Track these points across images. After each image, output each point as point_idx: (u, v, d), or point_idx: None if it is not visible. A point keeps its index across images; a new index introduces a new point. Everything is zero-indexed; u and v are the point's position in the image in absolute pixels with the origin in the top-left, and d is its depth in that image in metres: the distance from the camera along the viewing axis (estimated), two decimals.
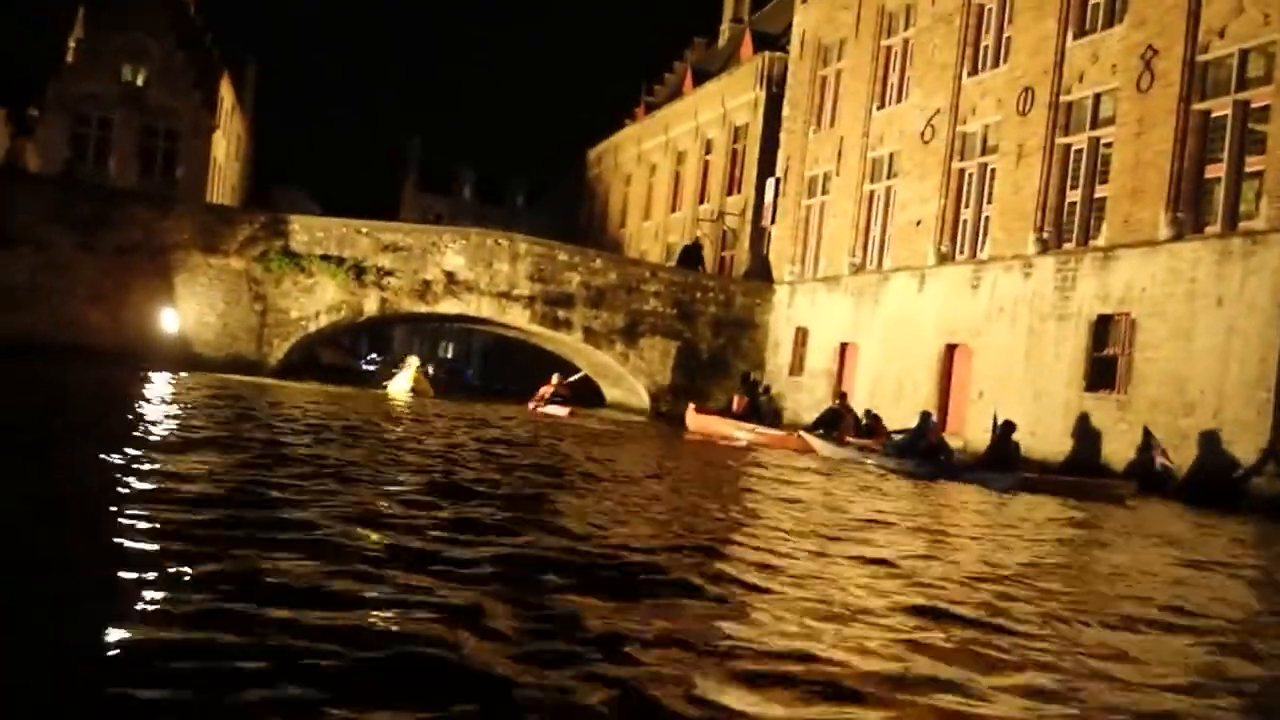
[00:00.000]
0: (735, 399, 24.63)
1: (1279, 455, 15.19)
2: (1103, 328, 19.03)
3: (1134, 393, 17.92)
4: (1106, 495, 15.12)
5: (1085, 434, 18.85)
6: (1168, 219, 17.81)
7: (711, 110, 37.85)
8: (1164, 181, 17.99)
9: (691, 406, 25.34)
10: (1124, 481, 16.02)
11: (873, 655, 4.20)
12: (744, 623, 4.57)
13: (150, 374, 20.89)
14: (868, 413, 21.78)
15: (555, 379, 27.30)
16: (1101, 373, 18.88)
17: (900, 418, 21.48)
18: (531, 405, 26.05)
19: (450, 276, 27.68)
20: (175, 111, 40.68)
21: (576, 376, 29.64)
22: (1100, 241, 19.29)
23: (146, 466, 7.36)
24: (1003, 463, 16.75)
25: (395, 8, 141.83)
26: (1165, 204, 17.89)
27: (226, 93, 44.73)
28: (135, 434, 9.59)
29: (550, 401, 25.75)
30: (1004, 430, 17.27)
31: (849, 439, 19.81)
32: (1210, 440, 16.48)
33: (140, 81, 40.63)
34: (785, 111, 31.38)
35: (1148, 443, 17.03)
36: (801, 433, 20.73)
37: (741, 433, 22.25)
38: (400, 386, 27.91)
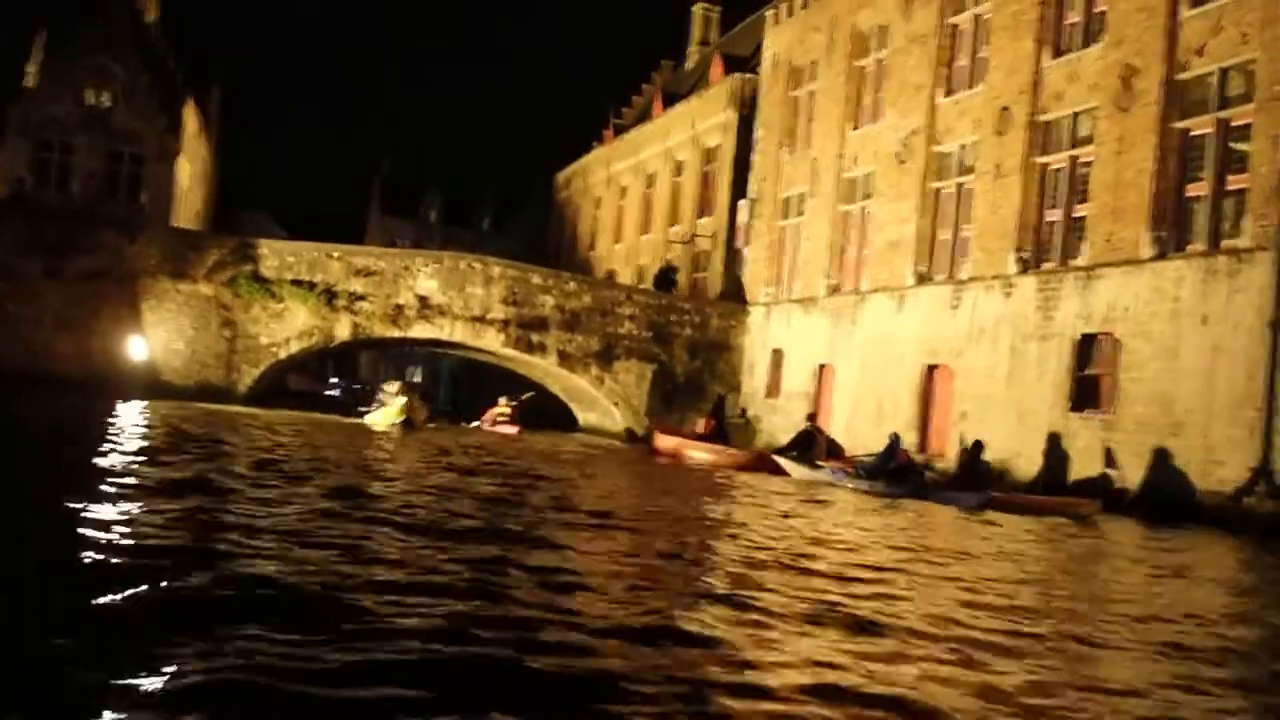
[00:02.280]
0: (702, 421, 24.65)
1: (1269, 474, 15.13)
2: (1086, 347, 18.97)
3: (1120, 413, 17.85)
4: (1072, 513, 15.57)
5: (1070, 454, 18.79)
6: (1150, 238, 17.80)
7: (682, 132, 37.75)
8: (1145, 200, 17.99)
9: (655, 430, 25.36)
10: (1088, 500, 16.26)
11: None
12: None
13: (117, 403, 20.32)
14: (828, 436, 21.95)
15: (502, 401, 28.87)
16: (1086, 393, 18.81)
17: (880, 439, 21.28)
18: (485, 424, 28.29)
19: (423, 301, 27.31)
20: (139, 135, 39.98)
21: (526, 396, 29.84)
22: (1082, 261, 19.26)
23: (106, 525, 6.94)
24: (972, 482, 16.98)
25: (359, 31, 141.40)
26: (1147, 223, 17.88)
27: (191, 116, 44.08)
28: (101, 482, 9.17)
29: (499, 422, 27.91)
30: (973, 450, 17.73)
31: (820, 461, 19.74)
32: (1163, 457, 16.81)
33: (104, 105, 39.95)
34: (758, 133, 31.33)
35: (1110, 461, 17.18)
36: (774, 455, 20.62)
37: (704, 454, 22.21)
38: (380, 418, 24.17)
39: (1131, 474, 17.19)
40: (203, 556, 5.44)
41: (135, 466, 9.81)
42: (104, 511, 6.77)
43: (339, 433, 19.76)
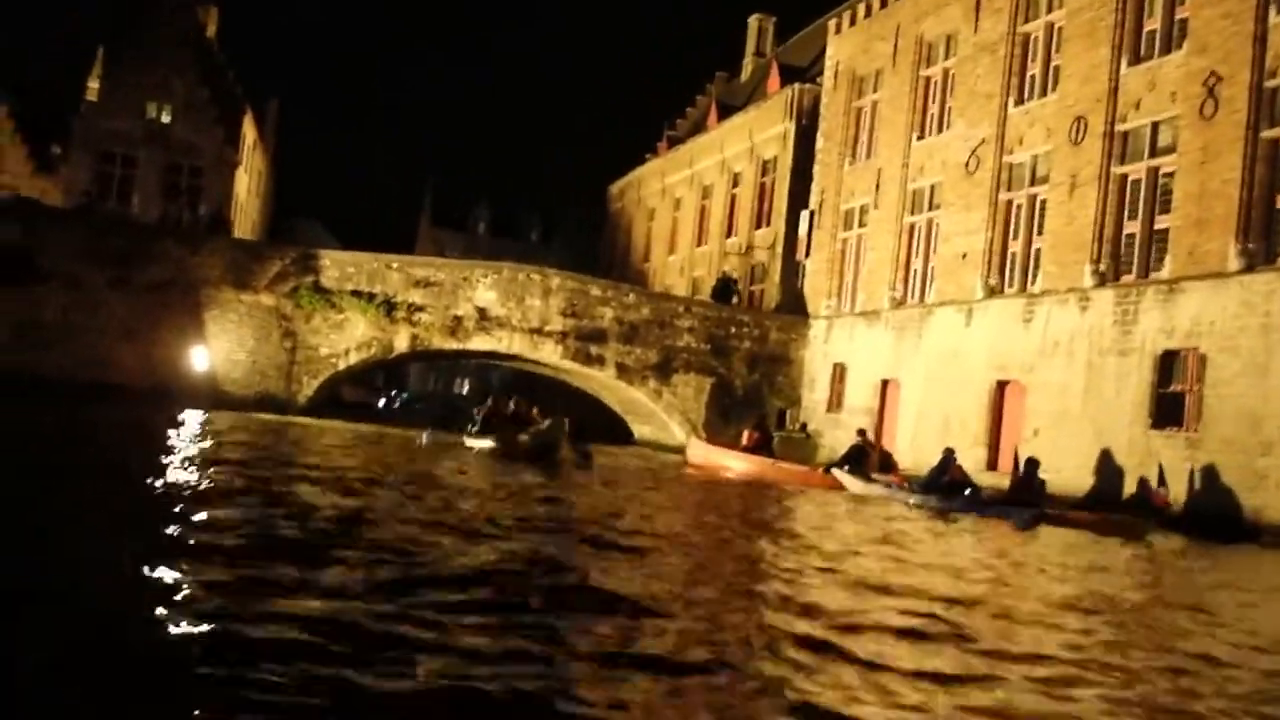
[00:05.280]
0: (746, 433, 24.14)
1: None
2: (1168, 363, 18.38)
3: (1205, 431, 17.24)
4: (1126, 531, 15.41)
5: (1126, 471, 18.47)
6: (1237, 250, 17.21)
7: (739, 143, 37.43)
8: (1232, 211, 17.40)
9: (693, 439, 25.14)
10: (1142, 519, 16.04)
11: None
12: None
13: (182, 414, 20.32)
14: (881, 448, 21.93)
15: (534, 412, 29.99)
16: (1168, 410, 18.21)
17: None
18: None
19: (482, 312, 27.15)
20: (199, 148, 40.33)
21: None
22: (1164, 274, 18.68)
23: None
24: (1026, 499, 16.92)
25: (413, 43, 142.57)
26: (1234, 234, 17.30)
27: (249, 129, 44.45)
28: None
29: None
30: (1029, 467, 17.64)
31: (875, 475, 19.66)
32: (1210, 474, 16.74)
33: (165, 119, 40.37)
34: (819, 143, 30.92)
35: (1161, 477, 16.95)
36: (833, 470, 20.33)
37: (740, 463, 21.96)
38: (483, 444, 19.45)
39: (1204, 492, 16.83)
40: None
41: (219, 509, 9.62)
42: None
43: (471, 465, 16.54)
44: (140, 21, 41.45)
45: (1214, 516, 16.38)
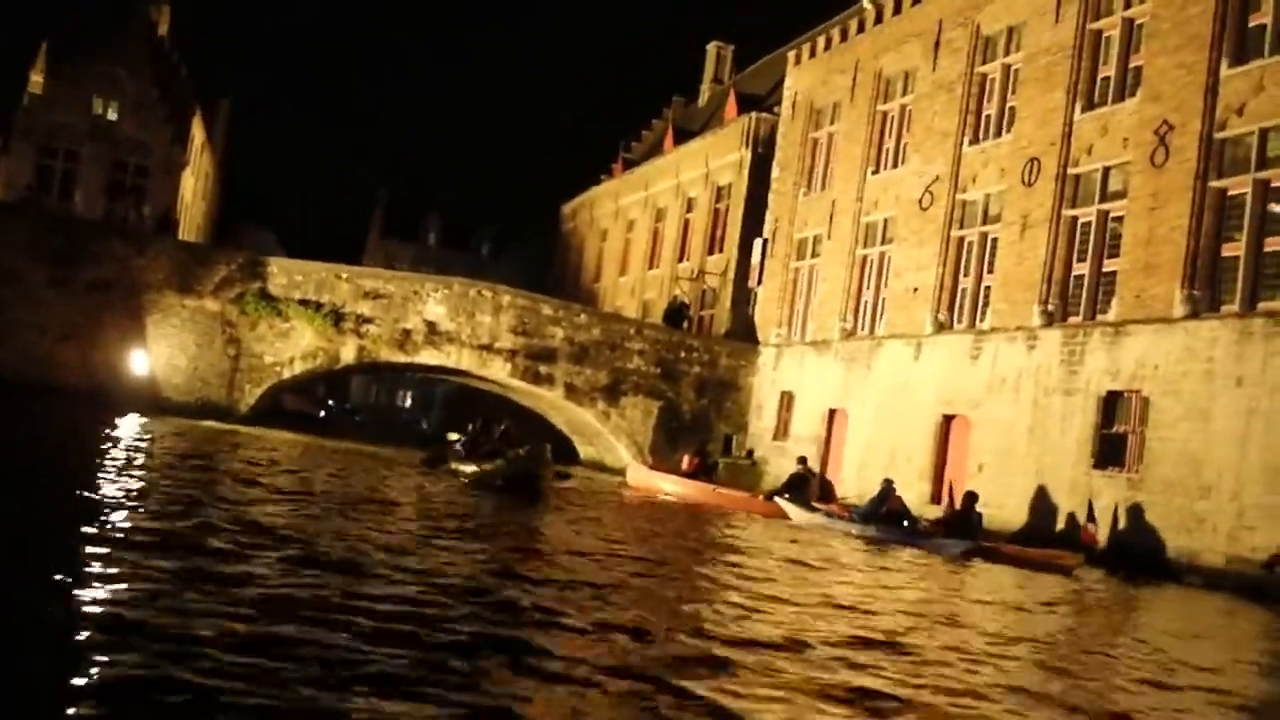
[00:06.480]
0: (686, 459, 24.33)
1: None
2: (1112, 404, 18.66)
3: (1146, 473, 17.51)
4: (1055, 566, 15.76)
5: (1059, 508, 18.83)
6: (1183, 296, 17.54)
7: (694, 169, 37.58)
8: (1179, 258, 17.74)
9: (633, 463, 25.25)
10: (1072, 553, 16.33)
11: None
12: None
13: (116, 420, 19.79)
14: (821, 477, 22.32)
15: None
16: (1111, 450, 18.48)
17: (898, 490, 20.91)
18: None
19: (431, 326, 26.88)
20: (146, 147, 39.58)
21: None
22: (1110, 316, 18.98)
23: None
24: (963, 531, 17.16)
25: (368, 47, 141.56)
26: (1180, 281, 17.63)
27: (198, 130, 43.79)
28: None
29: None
30: (967, 500, 17.85)
31: (815, 504, 19.86)
32: (1136, 513, 17.16)
33: (111, 115, 39.59)
34: (774, 173, 31.12)
35: (1091, 514, 17.35)
36: (777, 499, 20.41)
37: (679, 488, 22.09)
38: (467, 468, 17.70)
39: (1130, 530, 17.21)
40: None
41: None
42: None
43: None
44: (89, 16, 40.75)
45: (1139, 554, 16.76)
